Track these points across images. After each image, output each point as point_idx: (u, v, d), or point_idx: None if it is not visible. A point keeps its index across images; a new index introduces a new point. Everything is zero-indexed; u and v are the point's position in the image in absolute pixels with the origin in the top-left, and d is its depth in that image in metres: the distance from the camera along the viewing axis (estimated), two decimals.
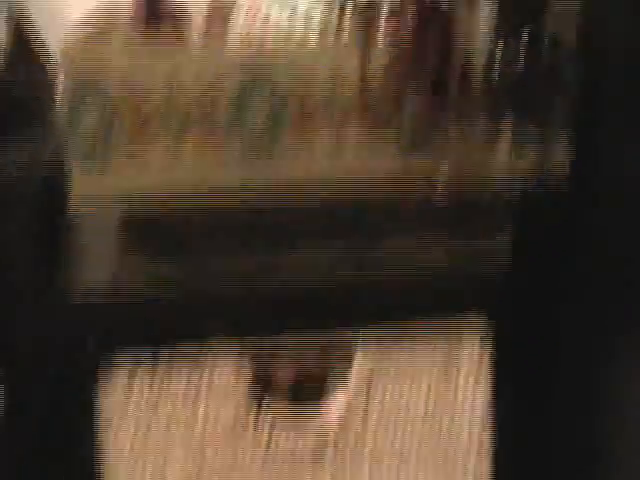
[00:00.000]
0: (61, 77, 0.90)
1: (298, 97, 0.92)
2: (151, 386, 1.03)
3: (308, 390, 1.08)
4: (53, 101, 0.92)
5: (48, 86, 0.93)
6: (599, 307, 1.11)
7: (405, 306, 1.05)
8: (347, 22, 0.95)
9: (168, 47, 0.91)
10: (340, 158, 0.94)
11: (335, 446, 1.07)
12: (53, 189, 0.97)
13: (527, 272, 1.04)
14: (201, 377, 1.04)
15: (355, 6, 0.94)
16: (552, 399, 1.14)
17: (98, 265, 1.03)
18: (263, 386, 1.05)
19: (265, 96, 0.91)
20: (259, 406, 1.05)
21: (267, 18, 0.97)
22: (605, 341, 1.11)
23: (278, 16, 0.96)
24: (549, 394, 1.15)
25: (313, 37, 0.95)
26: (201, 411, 1.05)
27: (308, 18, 0.95)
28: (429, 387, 1.08)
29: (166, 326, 1.02)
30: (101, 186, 0.92)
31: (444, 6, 0.94)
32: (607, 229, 1.05)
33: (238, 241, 1.01)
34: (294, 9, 0.96)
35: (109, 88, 0.90)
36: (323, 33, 0.95)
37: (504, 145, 0.96)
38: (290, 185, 0.94)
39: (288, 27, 0.96)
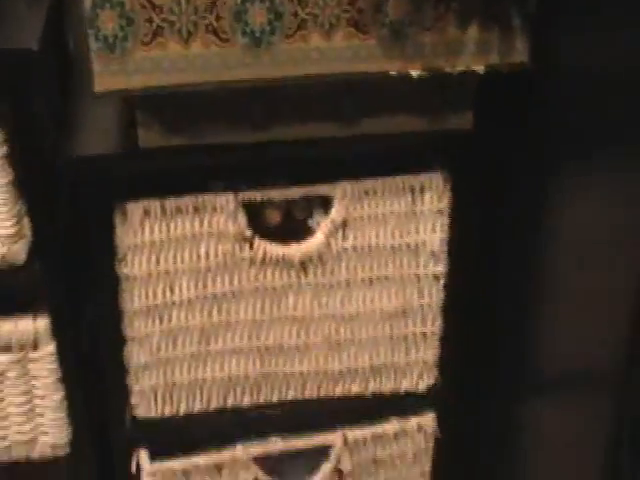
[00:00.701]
0: None
1: (293, 6, 1.05)
2: (160, 227, 1.22)
3: (292, 230, 1.27)
4: None
5: None
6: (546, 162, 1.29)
7: (375, 163, 1.23)
8: None
9: None
10: (328, 57, 1.09)
11: (314, 275, 1.28)
12: None
13: (484, 134, 1.21)
14: (202, 221, 1.22)
15: None
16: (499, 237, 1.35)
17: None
18: (254, 227, 1.24)
19: (264, 5, 1.04)
20: (251, 243, 1.24)
21: None
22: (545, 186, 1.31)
23: None
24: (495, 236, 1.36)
25: None
26: (203, 247, 1.24)
27: None
28: (394, 229, 1.27)
29: (174, 180, 1.20)
30: (119, 83, 1.07)
31: None
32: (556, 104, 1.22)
33: (238, 114, 1.17)
34: None
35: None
36: None
37: (471, 38, 1.10)
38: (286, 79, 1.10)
39: None
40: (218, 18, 1.05)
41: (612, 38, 1.10)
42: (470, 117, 1.19)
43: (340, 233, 1.26)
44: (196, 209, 1.22)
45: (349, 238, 1.27)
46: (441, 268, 1.31)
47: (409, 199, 1.26)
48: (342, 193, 1.24)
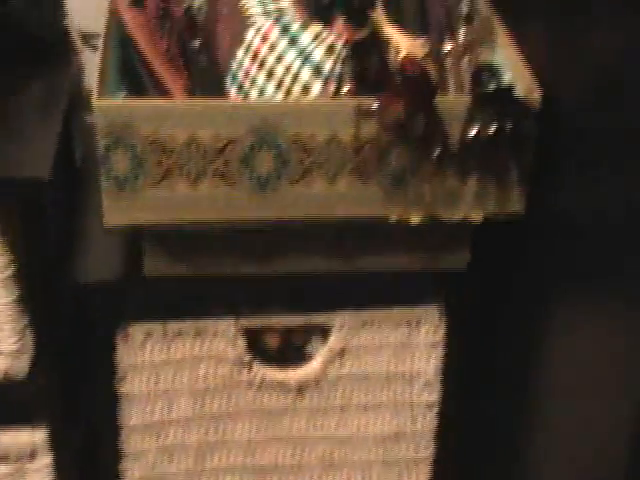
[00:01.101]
0: (96, 127, 1.06)
1: (299, 153, 1.09)
2: (161, 349, 1.25)
3: (290, 354, 1.30)
4: None
5: None
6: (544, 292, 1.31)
7: (373, 296, 1.26)
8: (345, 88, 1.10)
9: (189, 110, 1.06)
10: (331, 201, 1.12)
11: (310, 399, 1.31)
12: None
13: (479, 274, 1.24)
14: (202, 344, 1.25)
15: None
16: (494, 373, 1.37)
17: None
18: (254, 351, 1.27)
19: (273, 150, 1.08)
20: (250, 366, 1.27)
21: (280, 58, 1.11)
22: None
23: (291, 61, 1.10)
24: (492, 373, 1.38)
25: (318, 87, 1.10)
26: (202, 368, 1.27)
27: (317, 69, 1.10)
28: (390, 359, 1.30)
29: (176, 304, 1.23)
30: (127, 218, 1.10)
31: (430, 79, 1.09)
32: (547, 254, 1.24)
33: (241, 247, 1.20)
34: (308, 57, 1.10)
35: (137, 143, 1.06)
36: (327, 84, 1.10)
37: (469, 189, 1.14)
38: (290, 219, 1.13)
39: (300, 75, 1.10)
40: (226, 163, 1.08)
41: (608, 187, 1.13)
42: (466, 257, 1.22)
43: (337, 361, 1.29)
44: (197, 333, 1.25)
45: (346, 365, 1.30)
46: (435, 397, 1.33)
47: (405, 331, 1.29)
48: (341, 323, 1.27)
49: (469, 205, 1.14)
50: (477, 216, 1.15)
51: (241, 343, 1.26)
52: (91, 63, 1.32)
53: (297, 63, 1.09)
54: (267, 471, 1.34)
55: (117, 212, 1.10)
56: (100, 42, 1.16)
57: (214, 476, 1.34)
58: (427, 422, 1.35)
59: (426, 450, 1.36)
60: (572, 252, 1.21)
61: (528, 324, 1.36)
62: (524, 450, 1.47)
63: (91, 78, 1.12)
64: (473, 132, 1.07)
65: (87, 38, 1.44)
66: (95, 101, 1.05)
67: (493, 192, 1.14)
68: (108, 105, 1.06)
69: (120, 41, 1.20)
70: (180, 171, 1.08)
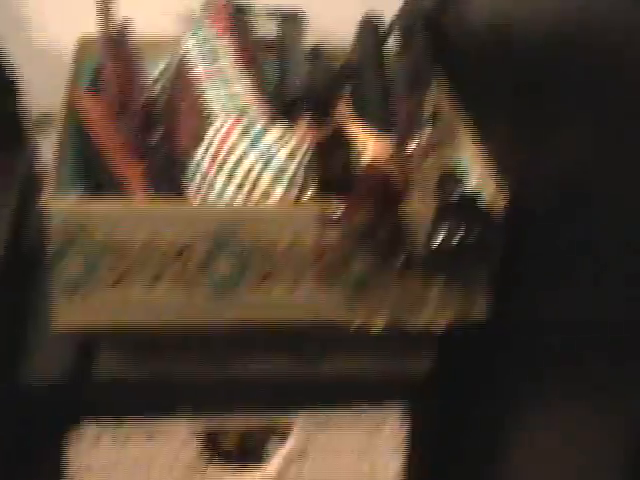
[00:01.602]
0: (48, 227, 1.02)
1: (259, 258, 1.05)
2: (112, 450, 1.20)
3: (251, 452, 1.25)
4: None
5: None
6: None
7: (335, 397, 1.22)
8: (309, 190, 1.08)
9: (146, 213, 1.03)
10: (291, 306, 1.09)
11: None
12: None
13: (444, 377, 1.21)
14: (155, 447, 1.21)
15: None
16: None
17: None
18: (212, 448, 1.23)
19: (232, 255, 1.04)
20: (204, 470, 1.23)
21: (241, 160, 1.08)
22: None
23: (252, 164, 1.07)
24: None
25: (280, 191, 1.07)
26: (155, 473, 1.22)
27: (280, 172, 1.07)
28: (350, 461, 1.26)
29: (128, 405, 1.19)
30: (78, 322, 1.06)
31: (395, 186, 1.07)
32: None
33: (198, 349, 1.16)
34: (270, 160, 1.07)
35: (91, 246, 1.02)
36: (289, 188, 1.07)
37: (433, 296, 1.11)
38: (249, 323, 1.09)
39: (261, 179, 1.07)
40: (184, 267, 1.05)
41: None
42: (429, 362, 1.19)
43: (296, 463, 1.25)
44: (150, 435, 1.20)
45: (304, 468, 1.25)
46: None
47: (367, 434, 1.25)
48: (301, 424, 1.23)
49: (432, 312, 1.11)
50: (439, 325, 1.12)
51: (195, 447, 1.21)
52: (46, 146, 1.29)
53: (258, 166, 1.06)
54: None
55: (67, 314, 1.06)
56: (55, 130, 1.13)
57: None
58: None
59: None
60: (540, 361, 1.19)
61: (495, 430, 1.34)
62: None
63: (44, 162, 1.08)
64: (437, 241, 1.05)
65: (42, 120, 1.40)
66: (47, 201, 1.02)
67: (456, 300, 1.11)
68: (61, 206, 1.02)
69: (76, 128, 1.16)
70: (136, 274, 1.04)
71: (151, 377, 1.16)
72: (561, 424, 1.22)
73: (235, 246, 1.04)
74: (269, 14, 1.32)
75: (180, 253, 1.04)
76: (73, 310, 1.05)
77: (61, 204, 1.02)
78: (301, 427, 1.23)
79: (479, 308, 1.12)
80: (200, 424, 1.21)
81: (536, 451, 1.31)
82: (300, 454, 1.24)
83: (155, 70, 1.26)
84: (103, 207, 1.03)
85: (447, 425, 1.28)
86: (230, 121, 1.09)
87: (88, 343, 1.14)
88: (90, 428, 1.18)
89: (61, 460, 1.20)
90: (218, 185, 1.07)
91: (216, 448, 1.24)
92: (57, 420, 1.18)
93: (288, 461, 1.24)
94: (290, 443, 1.24)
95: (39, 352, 1.18)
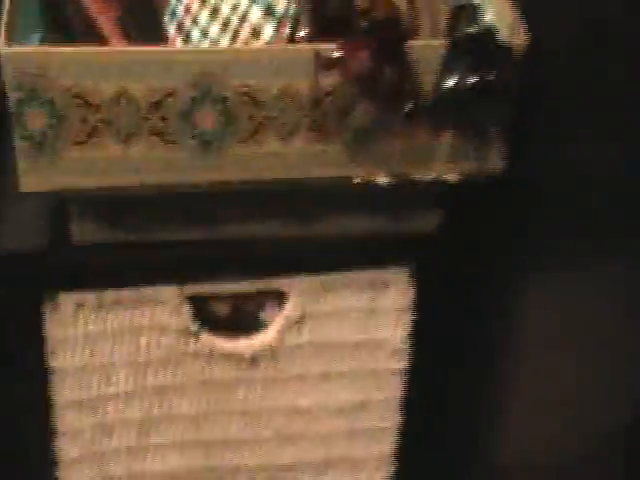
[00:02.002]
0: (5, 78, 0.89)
1: (248, 107, 0.93)
2: (96, 319, 1.11)
3: (242, 322, 1.16)
4: None
5: None
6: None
7: (334, 259, 1.12)
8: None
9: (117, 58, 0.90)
10: (285, 162, 0.97)
11: (265, 369, 1.18)
12: None
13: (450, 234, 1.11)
14: (142, 314, 1.11)
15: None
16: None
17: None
18: (204, 315, 1.13)
19: (217, 105, 0.92)
20: (197, 336, 1.13)
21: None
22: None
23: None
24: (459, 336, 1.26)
25: (270, 30, 0.94)
26: (143, 340, 1.13)
27: (271, 7, 0.93)
28: (353, 326, 1.17)
29: (112, 272, 1.09)
30: (48, 183, 0.95)
31: (401, 22, 0.93)
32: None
33: (182, 211, 1.05)
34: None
35: (55, 96, 0.90)
36: (281, 26, 0.94)
37: (444, 146, 0.99)
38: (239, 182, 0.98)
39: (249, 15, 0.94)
40: (163, 120, 0.92)
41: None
42: (435, 219, 1.08)
43: (295, 329, 1.16)
44: (136, 302, 1.11)
45: (304, 334, 1.16)
46: (402, 364, 1.20)
47: (370, 295, 1.15)
48: (298, 289, 1.13)
49: (443, 164, 1.00)
50: (452, 176, 1.00)
51: (186, 312, 1.12)
52: None
53: (245, 1, 0.93)
54: (217, 446, 1.22)
55: (35, 176, 0.94)
56: None
57: (159, 453, 1.21)
58: (393, 390, 1.22)
59: (392, 419, 1.24)
60: (552, 214, 1.09)
61: (501, 288, 1.25)
62: (495, 418, 1.36)
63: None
64: (450, 83, 0.92)
65: None
66: (1, 48, 0.88)
67: (470, 149, 0.99)
68: (17, 53, 0.89)
69: None
70: (109, 129, 0.92)
71: (133, 242, 1.05)
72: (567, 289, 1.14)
73: (220, 94, 0.92)
74: None
75: (158, 104, 0.91)
76: (41, 170, 0.94)
77: (16, 51, 0.89)
78: (299, 291, 1.13)
79: (494, 160, 1.01)
80: (190, 289, 1.11)
81: (543, 312, 1.23)
82: (299, 320, 1.15)
83: None
84: (67, 53, 0.90)
85: (454, 286, 1.19)
86: None
87: (61, 206, 1.03)
88: (69, 297, 1.09)
89: (40, 333, 1.11)
90: (202, 22, 0.94)
91: (209, 315, 1.14)
92: (32, 291, 1.08)
93: (286, 327, 1.15)
94: (288, 308, 1.14)
95: (10, 217, 1.07)
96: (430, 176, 0.99)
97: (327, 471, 1.27)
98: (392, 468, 1.28)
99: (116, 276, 1.09)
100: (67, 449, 1.18)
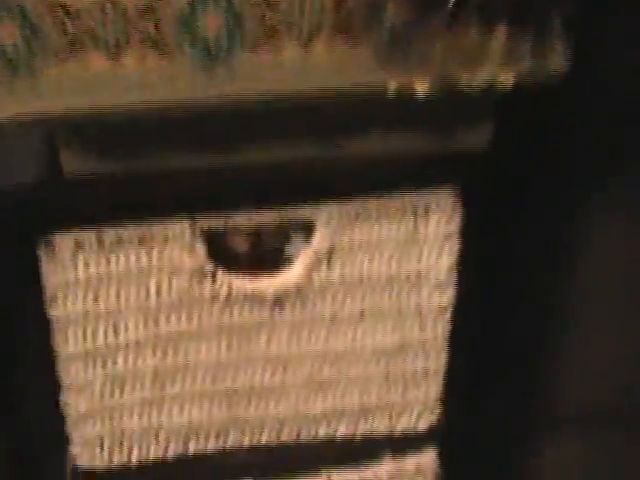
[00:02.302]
0: None
1: (259, 8, 0.77)
2: (98, 261, 0.97)
3: (265, 259, 1.02)
4: None
5: None
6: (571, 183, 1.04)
7: (368, 182, 0.97)
8: None
9: None
10: (305, 71, 0.82)
11: (292, 310, 1.04)
12: None
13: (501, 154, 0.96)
14: (151, 254, 0.98)
15: None
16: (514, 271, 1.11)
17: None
18: (217, 257, 1.00)
19: (220, 9, 0.77)
20: (214, 276, 1.00)
21: None
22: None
23: None
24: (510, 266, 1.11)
25: None
26: (153, 283, 0.99)
27: None
28: (392, 258, 1.02)
29: (114, 208, 0.95)
30: (28, 107, 0.80)
31: None
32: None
33: (189, 134, 0.90)
34: None
35: (27, 4, 0.75)
36: None
37: (495, 45, 0.83)
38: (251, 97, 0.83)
39: None
40: (157, 27, 0.77)
41: None
42: (486, 134, 0.93)
43: (324, 264, 1.02)
44: (142, 240, 0.97)
45: (336, 269, 1.02)
46: (447, 299, 1.06)
47: (411, 223, 1.01)
48: (327, 218, 0.99)
49: (494, 66, 0.84)
50: (506, 79, 0.84)
51: (200, 249, 0.98)
52: None
53: None
54: (242, 395, 1.09)
55: (12, 100, 0.79)
56: None
57: (177, 404, 1.08)
58: (438, 329, 1.08)
59: (437, 361, 1.11)
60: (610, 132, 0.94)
61: (555, 213, 1.10)
62: (545, 355, 1.23)
63: None
64: None
65: None
66: None
67: (528, 47, 0.83)
68: None
69: None
70: (94, 40, 0.77)
71: (135, 173, 0.91)
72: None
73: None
74: None
75: (150, 9, 0.76)
76: (18, 92, 0.79)
77: None
78: (329, 221, 0.99)
79: (555, 60, 0.85)
80: (204, 223, 0.97)
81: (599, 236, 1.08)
82: (328, 253, 1.01)
83: None
84: None
85: (505, 211, 1.04)
86: None
87: (50, 136, 0.89)
88: (66, 238, 0.95)
89: (37, 278, 0.97)
90: None
91: (227, 252, 1.01)
92: (25, 232, 0.94)
93: (314, 262, 1.01)
94: (316, 241, 1.00)
95: None
96: (480, 80, 0.83)
97: (364, 420, 1.14)
98: (437, 415, 1.15)
99: (119, 212, 0.95)
100: (75, 404, 1.06)
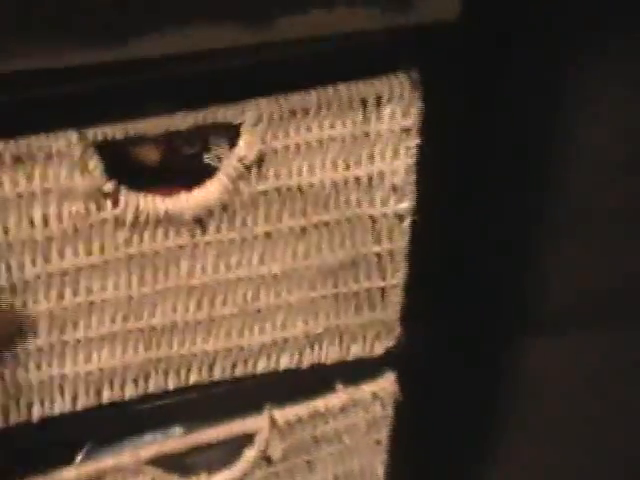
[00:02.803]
0: None
1: None
2: None
3: (179, 173, 0.81)
4: None
5: None
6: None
7: (305, 70, 0.76)
8: None
9: None
10: None
11: (217, 230, 0.84)
12: None
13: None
14: (30, 176, 0.76)
15: None
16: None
17: None
18: (118, 175, 0.78)
19: None
20: (115, 197, 0.79)
21: None
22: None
23: None
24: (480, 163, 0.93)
25: None
26: (37, 211, 0.78)
27: None
28: (336, 160, 0.82)
29: None
30: None
31: None
32: None
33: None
34: None
35: None
36: None
37: None
38: None
39: None
40: None
41: None
42: (456, 4, 0.72)
43: (254, 173, 0.81)
44: (17, 160, 0.75)
45: (269, 179, 0.82)
46: (406, 204, 0.87)
47: (359, 117, 0.80)
48: (254, 118, 0.78)
49: None
50: None
51: (95, 165, 0.77)
52: None
53: None
54: (162, 333, 0.89)
55: None
56: None
57: (83, 350, 0.88)
58: (395, 240, 0.89)
59: (395, 276, 0.92)
60: None
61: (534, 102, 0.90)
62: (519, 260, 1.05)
63: None
64: None
65: None
66: None
67: None
68: None
69: None
70: None
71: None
72: None
73: None
74: None
75: None
76: None
77: None
78: (254, 123, 0.78)
79: None
80: (97, 133, 0.75)
81: None
82: (258, 160, 0.80)
83: None
84: None
85: (473, 98, 0.84)
86: None
87: None
88: None
89: None
90: None
91: (130, 165, 0.79)
92: None
93: (241, 172, 0.80)
94: (242, 145, 0.79)
95: None
96: None
97: (309, 349, 0.96)
98: (395, 338, 0.97)
99: None
100: None
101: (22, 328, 0.84)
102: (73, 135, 0.75)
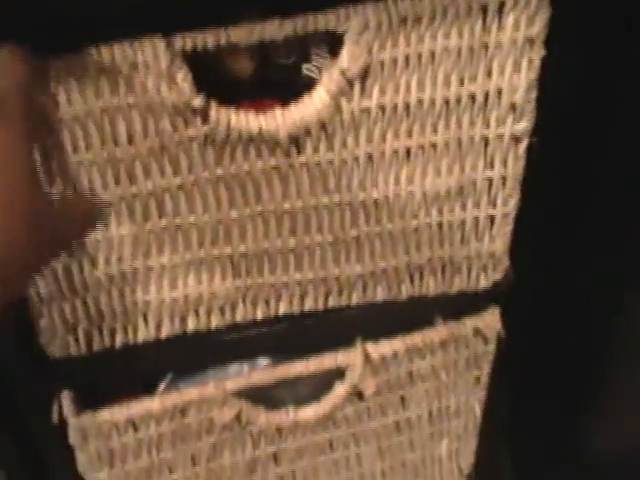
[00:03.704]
0: None
1: None
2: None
3: (274, 84, 0.74)
4: None
5: None
6: None
7: None
8: None
9: None
10: None
11: (314, 150, 0.76)
12: None
13: None
14: (115, 88, 0.69)
15: None
16: None
17: None
18: (209, 89, 0.71)
19: None
20: (205, 116, 0.72)
21: None
22: None
23: None
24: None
25: None
26: (121, 127, 0.71)
27: None
28: (450, 74, 0.74)
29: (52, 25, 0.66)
30: None
31: None
32: None
33: None
34: None
35: None
36: None
37: None
38: None
39: None
40: None
41: None
42: None
43: (357, 89, 0.73)
44: (101, 70, 0.68)
45: (373, 95, 0.74)
46: (524, 125, 0.78)
47: (478, 26, 0.72)
48: (359, 26, 0.70)
49: None
50: None
51: (184, 78, 0.70)
52: None
53: None
54: (252, 260, 0.83)
55: None
56: None
57: (168, 275, 0.82)
58: (509, 166, 0.81)
59: (506, 204, 0.84)
60: None
61: None
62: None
63: None
64: None
65: None
66: None
67: None
68: None
69: None
70: None
71: None
72: None
73: None
74: None
75: None
76: None
77: None
78: (359, 32, 0.69)
79: None
80: (186, 42, 0.68)
81: None
82: (361, 75, 0.72)
83: None
84: None
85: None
86: None
87: None
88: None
89: None
90: None
91: (221, 79, 0.72)
92: None
93: (342, 87, 0.73)
94: (344, 57, 0.71)
95: None
96: None
97: (409, 280, 0.89)
98: (502, 272, 0.89)
99: (58, 30, 0.66)
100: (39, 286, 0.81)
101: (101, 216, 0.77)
102: (160, 43, 0.68)
